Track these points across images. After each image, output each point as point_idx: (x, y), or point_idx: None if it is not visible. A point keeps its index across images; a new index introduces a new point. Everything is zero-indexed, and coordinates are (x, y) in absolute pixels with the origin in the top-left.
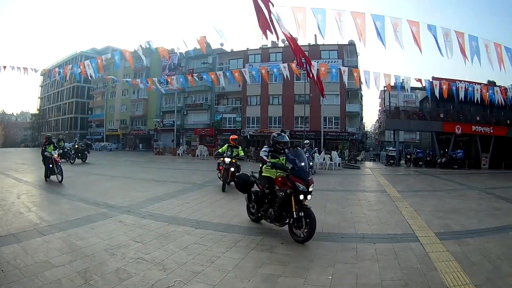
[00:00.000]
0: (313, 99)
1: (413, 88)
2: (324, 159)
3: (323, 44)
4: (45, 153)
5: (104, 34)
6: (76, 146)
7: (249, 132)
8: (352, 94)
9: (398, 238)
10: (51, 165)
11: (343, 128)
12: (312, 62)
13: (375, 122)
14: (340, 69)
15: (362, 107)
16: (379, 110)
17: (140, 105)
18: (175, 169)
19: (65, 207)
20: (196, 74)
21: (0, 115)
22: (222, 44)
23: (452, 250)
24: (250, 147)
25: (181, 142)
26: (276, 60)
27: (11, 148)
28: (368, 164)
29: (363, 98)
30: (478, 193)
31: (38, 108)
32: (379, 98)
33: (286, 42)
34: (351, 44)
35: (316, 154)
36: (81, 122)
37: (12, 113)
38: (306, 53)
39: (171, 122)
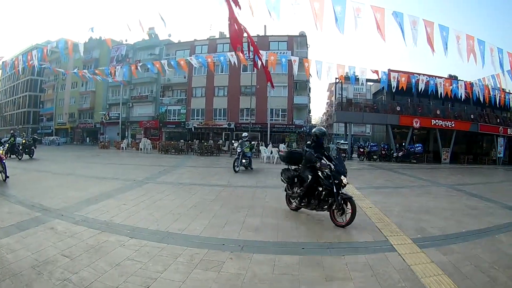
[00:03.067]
0: (259, 90)
1: (368, 80)
2: (271, 152)
3: (272, 35)
4: None
5: (60, 27)
6: (24, 141)
7: (194, 125)
8: (301, 86)
9: (371, 247)
10: None
11: (290, 121)
12: (260, 52)
13: (322, 115)
14: (290, 59)
15: (310, 99)
16: (327, 103)
17: (87, 97)
18: (117, 164)
19: (1, 211)
20: (140, 64)
21: None
22: (169, 35)
23: (438, 261)
24: (194, 140)
25: (126, 135)
26: (223, 51)
27: None
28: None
29: (311, 90)
30: (446, 189)
31: None
32: (327, 91)
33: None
34: (302, 36)
35: (263, 147)
36: (34, 116)
37: None
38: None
39: (117, 114)
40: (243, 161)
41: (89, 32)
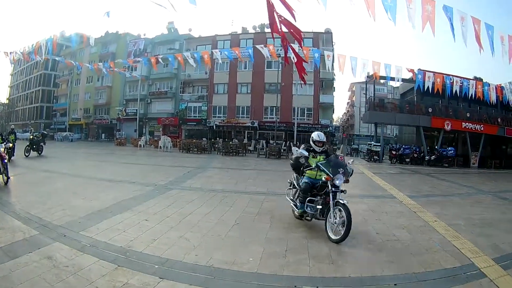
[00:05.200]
0: (284, 88)
1: (403, 80)
2: None
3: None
4: None
5: (74, 21)
6: (31, 137)
7: (215, 123)
8: (327, 84)
9: (461, 275)
10: None
11: (316, 120)
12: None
13: (342, 115)
14: (323, 55)
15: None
16: (348, 103)
17: (103, 93)
18: (134, 164)
19: None
20: (161, 57)
21: None
22: (190, 30)
23: None
24: (218, 139)
25: (144, 132)
26: (246, 47)
27: None
28: (347, 159)
29: (335, 90)
30: (492, 198)
31: (7, 97)
32: (348, 90)
33: (258, 29)
34: (328, 32)
35: (295, 148)
36: (47, 111)
37: None
38: (278, 40)
39: (135, 110)
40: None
41: (105, 17)
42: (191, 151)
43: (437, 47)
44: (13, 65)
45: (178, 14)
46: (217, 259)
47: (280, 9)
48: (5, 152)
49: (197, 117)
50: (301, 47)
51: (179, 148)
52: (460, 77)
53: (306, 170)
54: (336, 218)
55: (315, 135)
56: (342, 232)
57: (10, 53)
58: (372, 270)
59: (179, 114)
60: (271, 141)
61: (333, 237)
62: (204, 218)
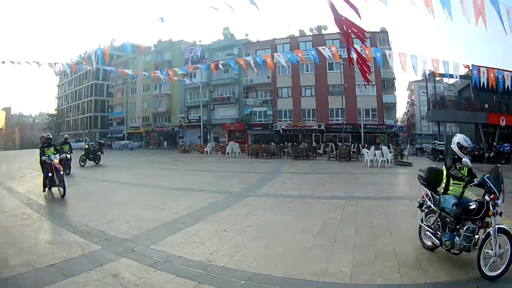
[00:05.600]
0: (348, 90)
1: (461, 77)
2: (375, 154)
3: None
4: (43, 157)
5: (122, 31)
6: (87, 146)
7: (282, 127)
8: (388, 84)
9: None
10: (50, 174)
11: (381, 121)
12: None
13: (403, 115)
14: (384, 54)
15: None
16: (408, 102)
17: (163, 100)
18: (203, 171)
19: (44, 241)
20: (222, 62)
21: (17, 117)
22: (246, 35)
23: None
24: (287, 143)
25: (208, 138)
26: (306, 49)
27: (26, 150)
28: (414, 159)
29: (396, 89)
30: None
31: (56, 108)
32: (407, 89)
33: (315, 31)
34: (384, 32)
35: (365, 150)
36: (101, 121)
37: (30, 115)
38: (337, 42)
39: (197, 117)
40: None
41: (159, 22)
42: (260, 156)
43: (486, 41)
44: (58, 76)
45: (237, 17)
46: (308, 271)
47: (343, 8)
48: (62, 163)
49: (263, 122)
50: (365, 47)
51: (247, 153)
52: (503, 70)
53: (451, 186)
54: (497, 249)
55: (461, 139)
56: (502, 267)
57: (55, 63)
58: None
59: (244, 119)
60: (339, 143)
61: (488, 273)
62: (286, 226)
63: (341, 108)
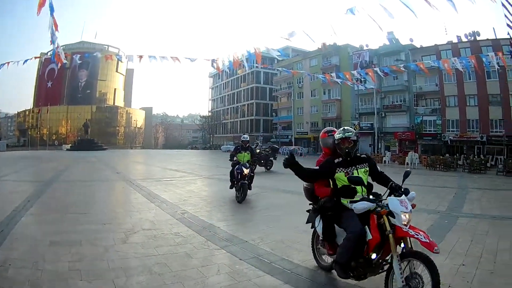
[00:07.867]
0: (505, 100)
1: None
2: None
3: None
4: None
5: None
6: (258, 150)
7: (449, 137)
8: None
9: None
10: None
11: None
12: None
13: None
14: None
15: None
16: None
17: (333, 106)
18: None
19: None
20: (402, 65)
21: (160, 116)
22: (411, 40)
23: None
24: (457, 155)
25: (379, 147)
26: (467, 56)
27: (171, 150)
28: None
29: None
30: None
31: (210, 110)
32: None
33: (469, 37)
34: None
35: None
36: (264, 124)
37: (177, 115)
38: (486, 48)
39: (369, 125)
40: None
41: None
42: (437, 168)
43: None
44: (215, 74)
45: (397, 23)
46: None
47: None
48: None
49: (432, 132)
50: None
51: (424, 164)
52: None
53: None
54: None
55: None
56: None
57: (213, 60)
58: None
59: (415, 129)
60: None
61: None
62: None
63: (499, 119)
